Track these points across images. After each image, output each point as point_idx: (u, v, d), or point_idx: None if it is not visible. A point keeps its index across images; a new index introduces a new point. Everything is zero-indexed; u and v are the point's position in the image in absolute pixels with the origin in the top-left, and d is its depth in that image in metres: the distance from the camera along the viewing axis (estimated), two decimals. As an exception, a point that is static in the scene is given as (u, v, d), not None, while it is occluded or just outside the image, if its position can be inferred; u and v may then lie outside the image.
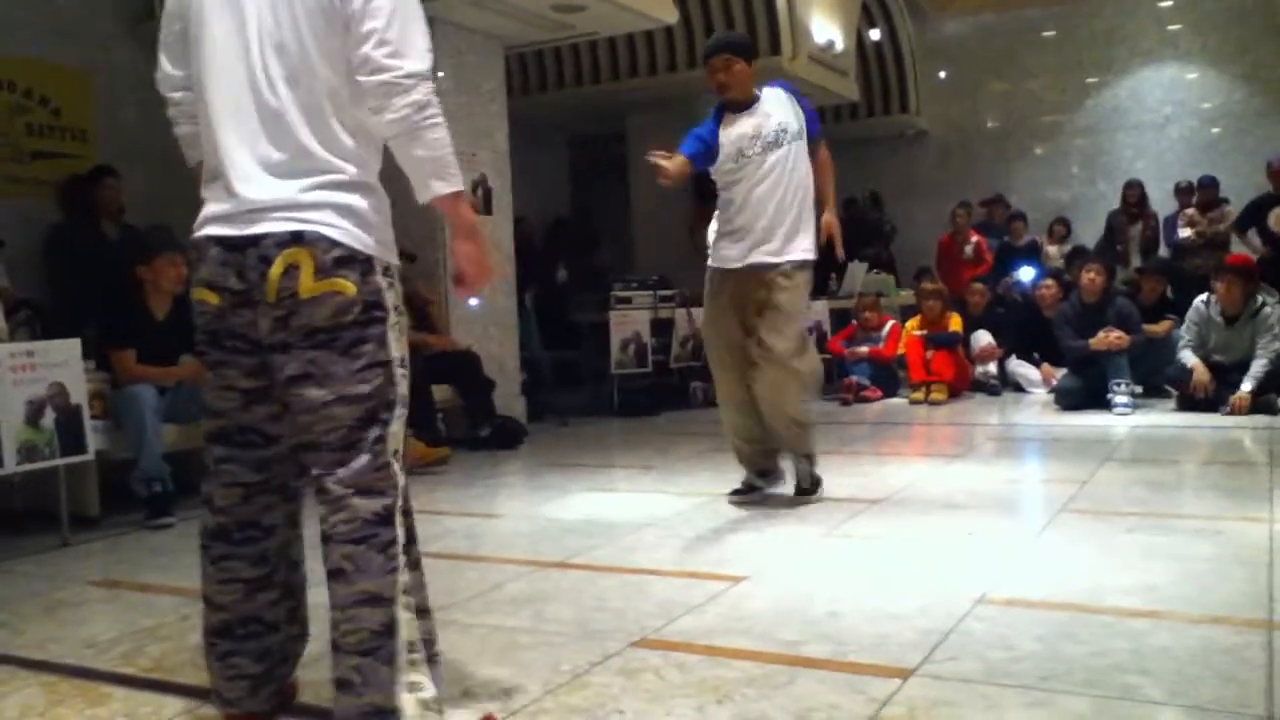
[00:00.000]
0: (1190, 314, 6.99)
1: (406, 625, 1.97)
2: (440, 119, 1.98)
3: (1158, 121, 12.11)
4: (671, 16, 7.88)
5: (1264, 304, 6.79)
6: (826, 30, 10.35)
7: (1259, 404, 6.49)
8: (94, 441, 4.36)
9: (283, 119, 1.99)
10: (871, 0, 11.72)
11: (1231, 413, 6.47)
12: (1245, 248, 9.23)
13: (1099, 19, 12.27)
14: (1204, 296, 6.95)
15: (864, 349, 8.54)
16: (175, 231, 6.08)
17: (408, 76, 1.94)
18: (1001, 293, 9.60)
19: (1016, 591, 3.06)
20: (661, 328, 8.19)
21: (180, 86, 2.15)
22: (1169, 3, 12.00)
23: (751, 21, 9.60)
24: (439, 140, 1.97)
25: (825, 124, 11.95)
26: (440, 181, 1.99)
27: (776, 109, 4.30)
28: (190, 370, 4.91)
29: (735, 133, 4.27)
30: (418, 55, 1.96)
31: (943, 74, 13.12)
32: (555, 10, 7.09)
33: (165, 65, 2.17)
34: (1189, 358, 6.81)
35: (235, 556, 2.13)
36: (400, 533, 2.00)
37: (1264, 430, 5.99)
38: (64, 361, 4.25)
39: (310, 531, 2.20)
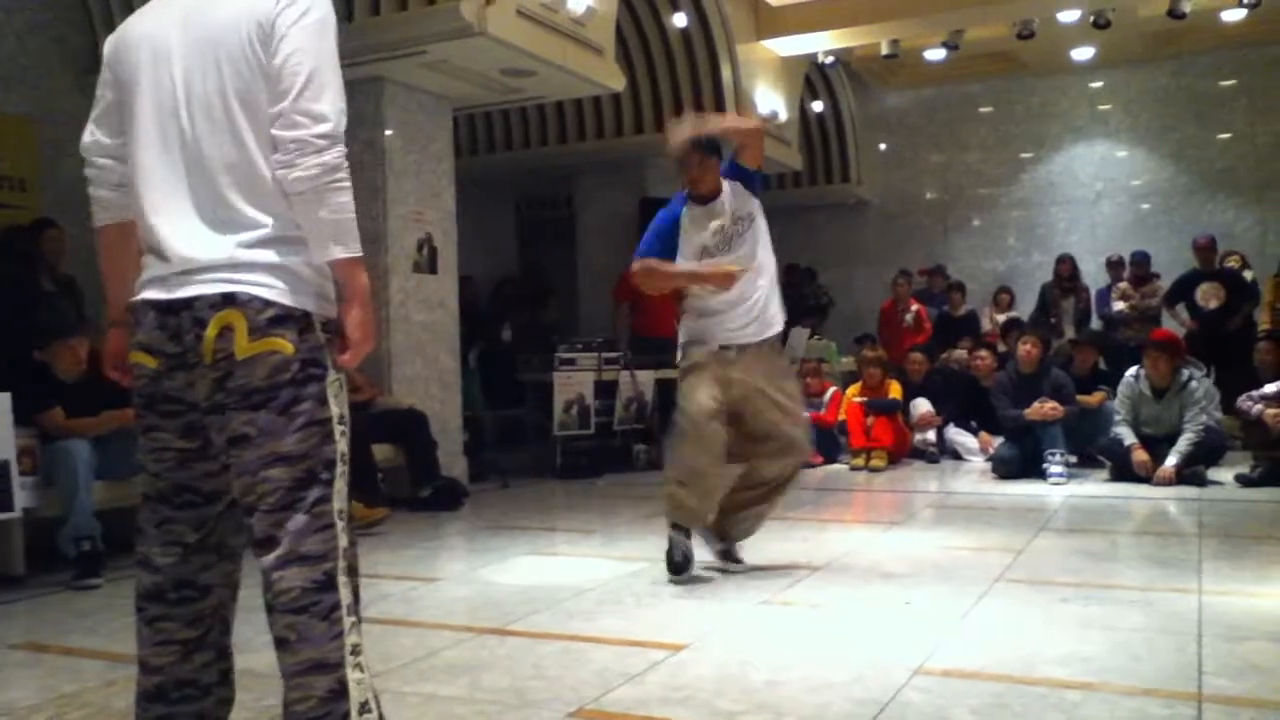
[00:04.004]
0: (1121, 389, 7.15)
1: (357, 686, 1.95)
2: (347, 184, 1.98)
3: (1089, 196, 12.49)
4: (619, 83, 8.01)
5: (1191, 378, 6.97)
6: (770, 101, 10.58)
7: (1187, 476, 6.64)
8: (21, 499, 4.25)
9: (211, 178, 1.99)
10: (814, 73, 11.99)
11: (1157, 484, 6.61)
12: (1174, 322, 9.50)
13: (1034, 96, 12.67)
14: (1133, 371, 7.12)
15: (805, 414, 8.60)
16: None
17: (321, 137, 1.94)
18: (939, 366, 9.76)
19: (953, 661, 3.09)
20: (605, 389, 8.20)
21: (109, 154, 2.15)
22: (1099, 83, 12.43)
23: (698, 91, 9.79)
24: (344, 204, 1.97)
25: (770, 190, 12.29)
26: (340, 246, 1.99)
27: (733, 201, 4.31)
28: (121, 416, 4.81)
29: (698, 240, 4.31)
30: (333, 117, 1.97)
31: (883, 145, 13.44)
32: (504, 74, 7.17)
33: (97, 133, 2.16)
34: (1126, 435, 6.94)
35: (171, 618, 2.09)
36: (345, 593, 1.98)
37: (1193, 501, 6.12)
38: (-7, 416, 4.16)
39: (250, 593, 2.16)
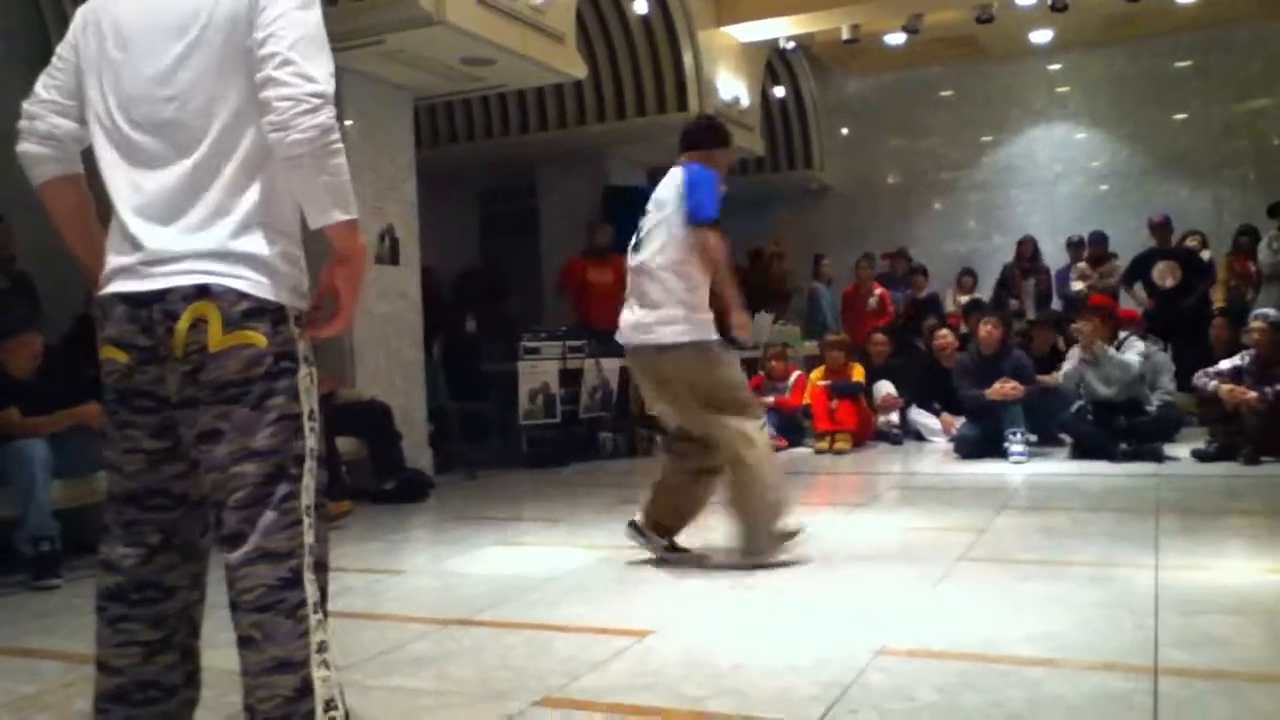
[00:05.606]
0: (1065, 366, 7.33)
1: (323, 684, 1.92)
2: (341, 145, 1.94)
3: (1049, 178, 12.59)
4: (580, 71, 7.99)
5: (1129, 336, 7.26)
6: (732, 87, 10.58)
7: (1145, 452, 6.75)
8: (-24, 500, 4.19)
9: (185, 166, 1.94)
10: (776, 59, 12.00)
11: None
12: (1132, 300, 9.63)
13: (993, 80, 12.75)
14: (1073, 351, 7.32)
15: (770, 399, 8.65)
16: (67, 277, 5.88)
17: (315, 96, 1.89)
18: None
19: (917, 641, 3.11)
20: (570, 378, 8.19)
21: (63, 114, 2.06)
22: (1058, 66, 12.54)
23: (660, 77, 9.77)
24: (340, 166, 1.93)
25: (732, 175, 12.22)
26: (339, 210, 1.95)
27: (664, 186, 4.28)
28: (77, 414, 4.75)
29: None
30: (324, 78, 1.92)
31: (845, 131, 13.48)
32: (464, 63, 7.12)
33: (52, 90, 2.07)
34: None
35: (133, 618, 2.05)
36: (311, 590, 1.95)
37: (1150, 478, 6.21)
38: (-54, 417, 4.10)
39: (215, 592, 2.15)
